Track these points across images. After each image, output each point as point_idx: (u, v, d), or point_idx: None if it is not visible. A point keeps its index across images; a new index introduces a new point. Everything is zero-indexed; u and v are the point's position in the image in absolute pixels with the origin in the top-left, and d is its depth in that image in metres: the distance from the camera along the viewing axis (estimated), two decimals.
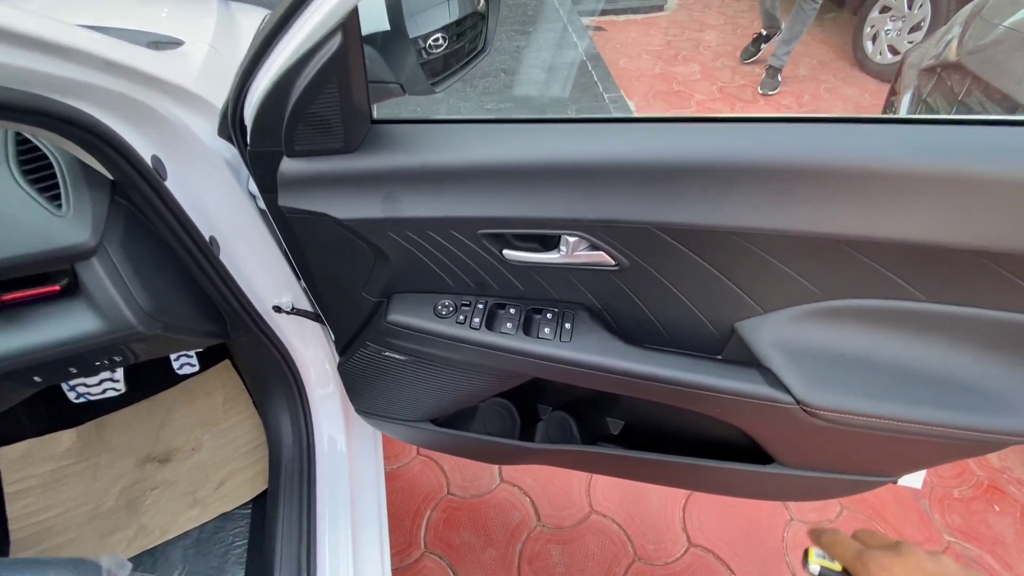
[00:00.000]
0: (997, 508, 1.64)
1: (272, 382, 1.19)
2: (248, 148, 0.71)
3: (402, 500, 1.62)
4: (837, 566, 0.51)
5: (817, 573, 0.52)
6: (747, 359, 0.75)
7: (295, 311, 1.08)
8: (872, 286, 0.65)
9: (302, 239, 0.76)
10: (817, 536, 0.55)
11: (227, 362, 1.44)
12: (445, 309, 0.79)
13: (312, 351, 1.20)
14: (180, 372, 1.33)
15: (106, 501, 1.23)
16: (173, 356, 1.32)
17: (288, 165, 0.68)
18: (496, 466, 1.69)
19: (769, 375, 0.72)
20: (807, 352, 0.71)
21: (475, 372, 0.84)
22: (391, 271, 0.78)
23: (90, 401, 1.19)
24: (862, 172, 0.56)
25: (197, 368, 1.35)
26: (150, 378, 1.38)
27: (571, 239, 0.68)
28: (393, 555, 1.41)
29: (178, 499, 1.24)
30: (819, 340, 0.71)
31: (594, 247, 0.70)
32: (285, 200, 0.70)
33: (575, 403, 1.08)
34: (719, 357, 0.77)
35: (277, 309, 1.08)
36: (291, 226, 0.74)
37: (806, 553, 0.55)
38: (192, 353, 1.32)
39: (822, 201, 0.59)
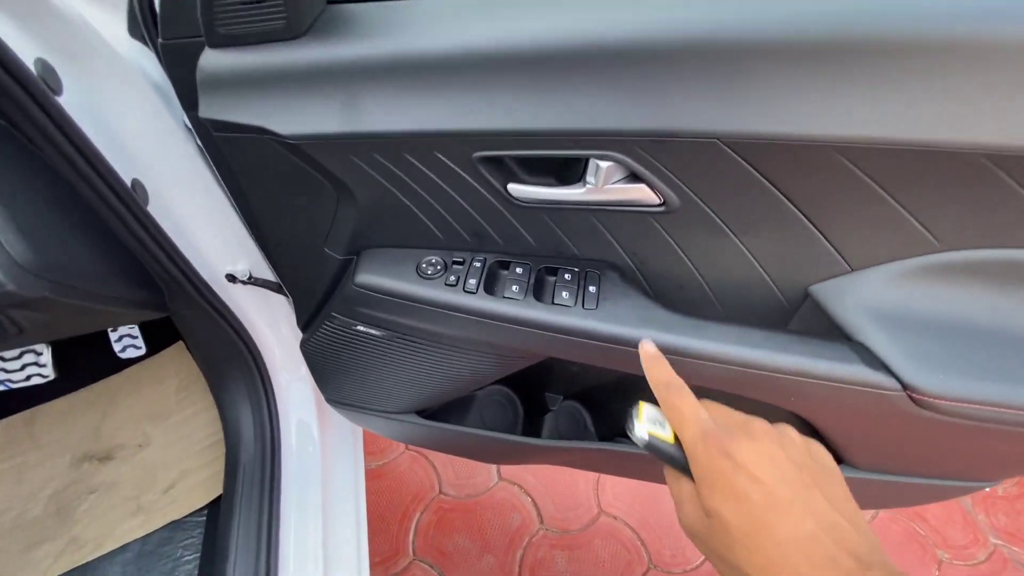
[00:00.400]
0: None
1: (228, 366, 1.00)
2: (160, 41, 0.51)
3: (388, 501, 1.44)
4: (669, 436, 0.40)
5: (644, 441, 0.41)
6: (821, 332, 0.57)
7: (253, 280, 0.89)
8: (1011, 227, 0.47)
9: (238, 171, 0.57)
10: (662, 391, 0.42)
11: (182, 344, 1.25)
12: (431, 268, 0.60)
13: (278, 329, 1.01)
14: (123, 356, 1.14)
15: (32, 508, 1.04)
16: (113, 337, 1.12)
17: (210, 59, 0.49)
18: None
19: (864, 352, 0.54)
20: (914, 323, 0.53)
21: (471, 351, 0.66)
22: (359, 216, 0.59)
23: (12, 389, 1.00)
24: None
25: (144, 351, 1.16)
26: (87, 363, 1.19)
27: (602, 165, 0.49)
28: (377, 563, 1.23)
29: (119, 505, 1.05)
30: (931, 307, 0.53)
31: (634, 177, 0.51)
32: (209, 110, 0.51)
33: (590, 391, 0.90)
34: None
35: (231, 278, 0.89)
36: (221, 153, 0.55)
37: (633, 412, 0.43)
38: (137, 333, 1.13)
39: (973, 89, 0.40)
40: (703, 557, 1.36)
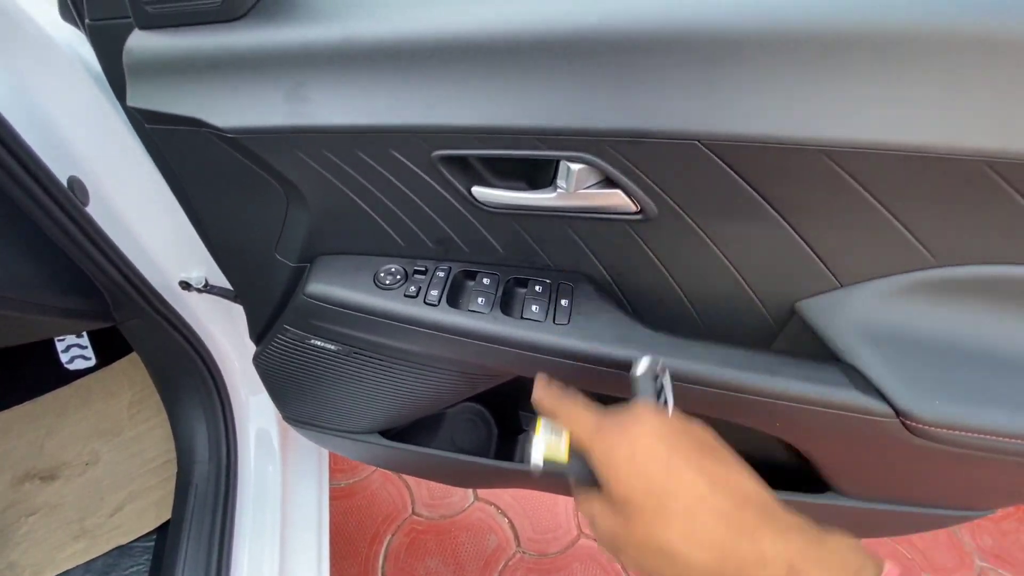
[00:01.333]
0: None
1: (181, 379, 0.93)
2: (87, 22, 0.46)
3: (357, 521, 1.37)
4: (562, 456, 0.40)
5: (539, 468, 0.41)
6: (809, 352, 0.53)
7: (209, 288, 0.83)
8: (1011, 241, 0.44)
9: (176, 168, 0.52)
10: (549, 403, 0.42)
11: (136, 356, 1.18)
12: (390, 277, 0.55)
13: (237, 340, 0.95)
14: (71, 367, 1.07)
15: None
16: (60, 347, 1.05)
17: (139, 42, 0.44)
18: None
19: (855, 375, 0.50)
20: (911, 343, 0.50)
21: (435, 368, 0.61)
22: (311, 219, 0.54)
23: None
24: None
25: (93, 362, 1.09)
26: (31, 375, 1.11)
27: (573, 167, 0.45)
28: None
29: (61, 528, 0.98)
30: (929, 326, 0.49)
31: (609, 182, 0.47)
32: (137, 98, 0.46)
33: None
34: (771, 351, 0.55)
35: (185, 286, 0.83)
36: (157, 147, 0.50)
37: (527, 444, 0.42)
38: (86, 343, 1.06)
39: (974, 90, 0.37)
40: None
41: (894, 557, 1.36)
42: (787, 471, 0.69)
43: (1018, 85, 0.36)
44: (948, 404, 0.48)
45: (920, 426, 0.48)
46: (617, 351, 0.51)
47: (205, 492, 0.91)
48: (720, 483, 0.35)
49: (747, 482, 0.36)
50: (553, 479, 0.79)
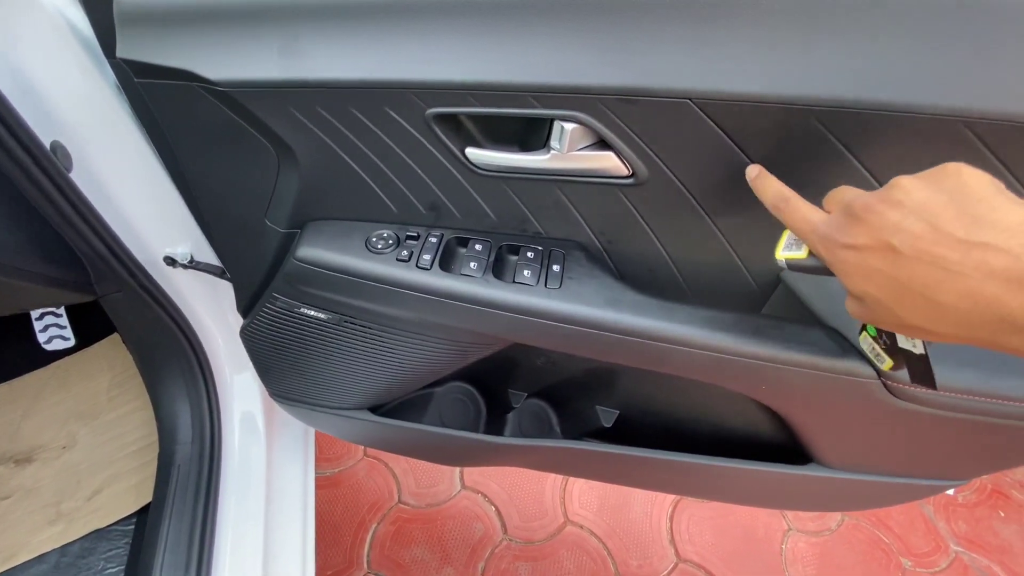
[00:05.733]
0: (1002, 514, 1.51)
1: (164, 358, 0.92)
2: None
3: (343, 510, 1.36)
4: (803, 253, 0.41)
5: (782, 267, 0.43)
6: (797, 319, 0.54)
7: (195, 264, 0.82)
8: None
9: (165, 126, 0.51)
10: (776, 208, 0.42)
11: (119, 336, 1.15)
12: (382, 242, 0.55)
13: (223, 319, 0.93)
14: (49, 347, 1.04)
15: None
16: (38, 326, 1.03)
17: None
18: (457, 471, 1.45)
19: (838, 338, 0.51)
20: None
21: (426, 336, 0.61)
22: (302, 181, 0.53)
23: None
24: None
25: (72, 343, 1.06)
26: (7, 355, 1.08)
27: (567, 127, 0.46)
28: None
29: (37, 512, 0.95)
30: None
31: (602, 145, 0.48)
32: (127, 49, 0.45)
33: (555, 388, 0.85)
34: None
35: (170, 261, 0.81)
36: (146, 104, 0.49)
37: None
38: (64, 323, 1.04)
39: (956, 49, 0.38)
40: (671, 567, 1.32)
41: (873, 543, 1.40)
42: (770, 445, 0.70)
43: (994, 43, 0.38)
44: (934, 365, 0.49)
45: (901, 387, 0.50)
46: (607, 315, 0.52)
47: (188, 474, 0.89)
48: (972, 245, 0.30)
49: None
50: (543, 455, 0.79)
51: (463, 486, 1.42)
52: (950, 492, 0.85)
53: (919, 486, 0.67)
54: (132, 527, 0.94)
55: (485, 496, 1.40)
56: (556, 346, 0.56)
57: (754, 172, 0.44)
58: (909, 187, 0.33)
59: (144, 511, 0.94)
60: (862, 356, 0.49)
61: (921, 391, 0.50)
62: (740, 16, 0.40)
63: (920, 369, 0.42)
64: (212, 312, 0.92)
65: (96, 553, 0.91)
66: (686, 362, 0.53)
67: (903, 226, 0.32)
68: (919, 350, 0.41)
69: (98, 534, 0.93)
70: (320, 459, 1.44)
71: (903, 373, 0.49)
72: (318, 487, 1.38)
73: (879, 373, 0.50)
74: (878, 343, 0.45)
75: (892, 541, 1.41)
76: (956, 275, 0.30)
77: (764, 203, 0.42)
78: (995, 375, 0.49)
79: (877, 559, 1.37)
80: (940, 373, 0.49)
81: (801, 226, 0.39)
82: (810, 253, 0.40)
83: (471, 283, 0.53)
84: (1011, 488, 1.58)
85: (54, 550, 0.91)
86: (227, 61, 0.45)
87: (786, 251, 0.42)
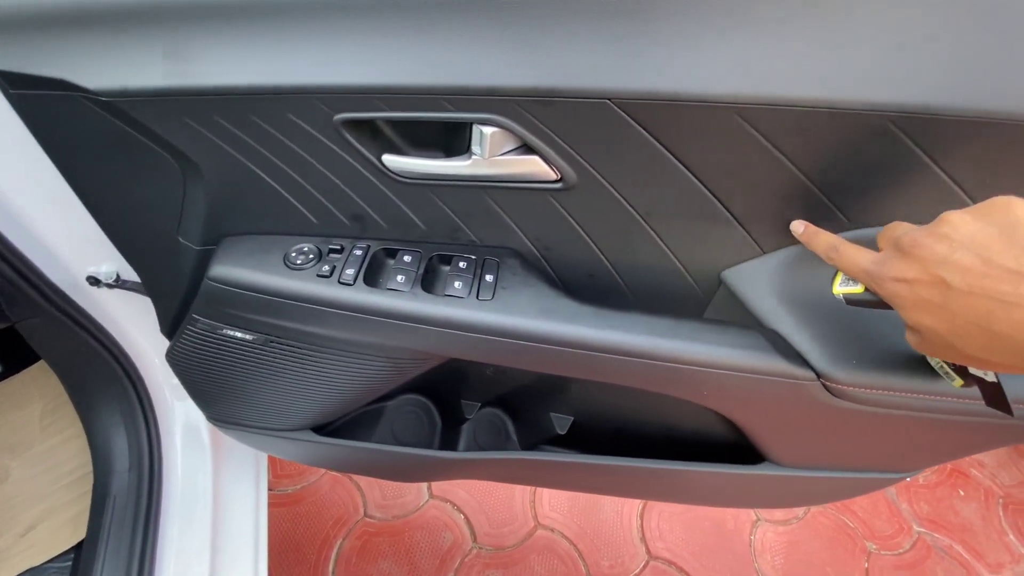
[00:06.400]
0: (962, 493, 1.55)
1: (96, 384, 0.86)
2: None
3: (306, 527, 1.31)
4: (859, 288, 0.42)
5: (842, 301, 0.44)
6: (739, 320, 0.53)
7: (120, 283, 0.77)
8: (920, 200, 0.44)
9: (49, 141, 0.47)
10: (829, 257, 0.43)
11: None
12: (302, 257, 0.51)
13: (157, 340, 0.88)
14: None
15: None
16: None
17: None
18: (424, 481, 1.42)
19: (777, 340, 0.50)
20: (827, 306, 0.50)
21: (358, 354, 0.58)
22: (210, 195, 0.50)
23: None
24: None
25: None
26: None
27: (486, 131, 0.43)
28: None
29: None
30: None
31: (527, 149, 0.45)
32: None
33: (510, 396, 0.83)
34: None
35: (93, 281, 0.76)
36: (28, 115, 0.45)
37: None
38: None
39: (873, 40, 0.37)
40: (642, 565, 1.31)
41: (839, 529, 1.42)
42: (725, 444, 0.69)
43: (912, 37, 0.36)
44: (865, 364, 0.48)
45: (840, 387, 0.49)
46: (541, 325, 0.49)
47: (124, 505, 0.84)
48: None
49: None
50: (502, 467, 0.77)
51: (431, 495, 1.39)
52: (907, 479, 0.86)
53: (870, 479, 0.67)
54: (69, 563, 0.89)
55: (454, 504, 1.37)
56: (491, 359, 0.53)
57: (801, 228, 0.46)
58: (957, 222, 0.33)
59: (81, 547, 0.89)
60: (932, 370, 0.47)
61: (861, 391, 0.49)
62: (659, 12, 0.38)
63: (994, 395, 0.41)
64: (147, 332, 0.87)
65: None
66: (624, 370, 0.51)
67: (952, 259, 0.32)
68: (991, 377, 0.40)
69: (33, 572, 0.88)
70: (281, 476, 1.39)
71: (848, 371, 0.48)
72: (280, 505, 1.34)
73: (817, 374, 0.49)
74: (947, 363, 0.44)
75: (857, 526, 1.43)
76: (1010, 306, 0.30)
77: (817, 254, 0.44)
78: (933, 372, 0.48)
79: (843, 544, 1.40)
80: (879, 372, 0.49)
81: (853, 269, 0.40)
82: (866, 288, 0.41)
83: (398, 297, 0.50)
84: (970, 467, 1.62)
85: None
86: (108, 68, 0.41)
87: (842, 286, 0.44)
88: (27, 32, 0.41)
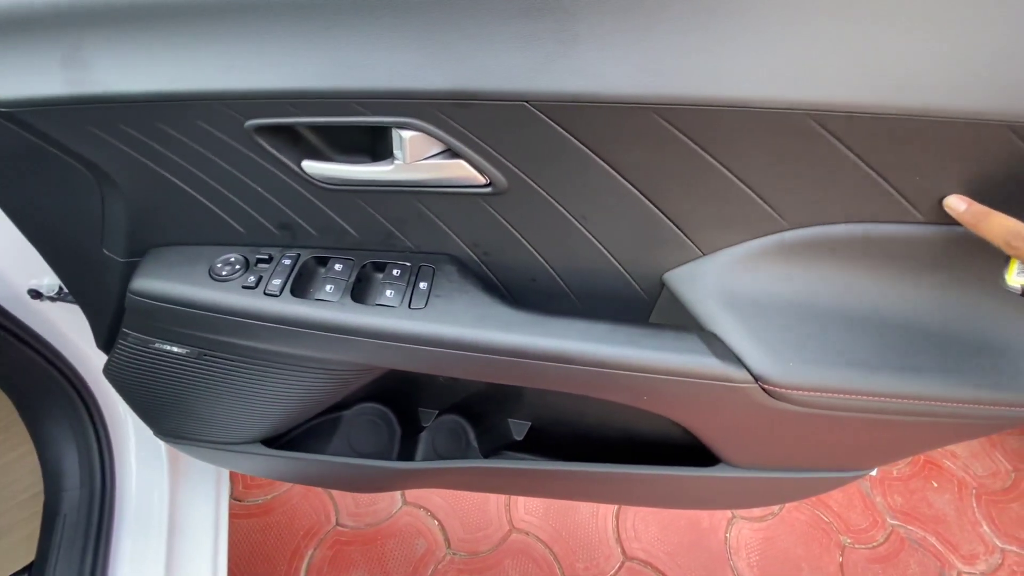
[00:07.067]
0: (935, 484, 1.56)
1: (43, 400, 0.84)
2: None
3: (276, 539, 1.29)
4: None
5: (1017, 292, 0.42)
6: (683, 323, 0.52)
7: (63, 296, 0.75)
8: (853, 199, 0.44)
9: None
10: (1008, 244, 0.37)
11: None
12: (228, 268, 0.50)
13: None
14: None
15: None
16: None
17: None
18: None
19: (715, 342, 0.49)
20: (766, 307, 0.49)
21: (294, 367, 0.56)
22: (129, 205, 0.48)
23: None
24: None
25: None
26: None
27: (405, 135, 0.42)
28: None
29: None
30: (782, 290, 0.49)
31: (451, 152, 0.44)
32: None
33: (469, 402, 0.82)
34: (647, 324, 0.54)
35: (35, 294, 0.74)
36: None
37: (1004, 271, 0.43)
38: None
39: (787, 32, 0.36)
40: (618, 566, 1.31)
41: (814, 524, 1.42)
42: (682, 446, 0.68)
43: (830, 35, 0.36)
44: (802, 366, 0.48)
45: (777, 389, 0.48)
46: (474, 333, 0.48)
47: (75, 523, 0.82)
48: None
49: None
50: (462, 475, 0.76)
51: (404, 502, 1.37)
52: (874, 473, 0.86)
53: (826, 479, 0.67)
54: None
55: (427, 510, 1.36)
56: (427, 369, 0.52)
57: (963, 206, 0.39)
58: None
59: (31, 568, 0.86)
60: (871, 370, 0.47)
61: (798, 392, 0.48)
62: (576, 11, 0.37)
63: None
64: (94, 345, 0.84)
65: None
66: (561, 377, 0.50)
67: None
68: None
69: None
70: (252, 486, 1.37)
71: (784, 372, 0.47)
72: (249, 516, 1.31)
73: (755, 377, 0.48)
74: None
75: (832, 520, 1.44)
76: None
77: (990, 241, 0.38)
78: (868, 371, 0.48)
79: (818, 540, 1.40)
80: (814, 373, 0.48)
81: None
82: None
83: (326, 308, 0.48)
84: (943, 458, 1.63)
85: None
86: (5, 77, 0.39)
87: (1020, 276, 0.41)
88: None
